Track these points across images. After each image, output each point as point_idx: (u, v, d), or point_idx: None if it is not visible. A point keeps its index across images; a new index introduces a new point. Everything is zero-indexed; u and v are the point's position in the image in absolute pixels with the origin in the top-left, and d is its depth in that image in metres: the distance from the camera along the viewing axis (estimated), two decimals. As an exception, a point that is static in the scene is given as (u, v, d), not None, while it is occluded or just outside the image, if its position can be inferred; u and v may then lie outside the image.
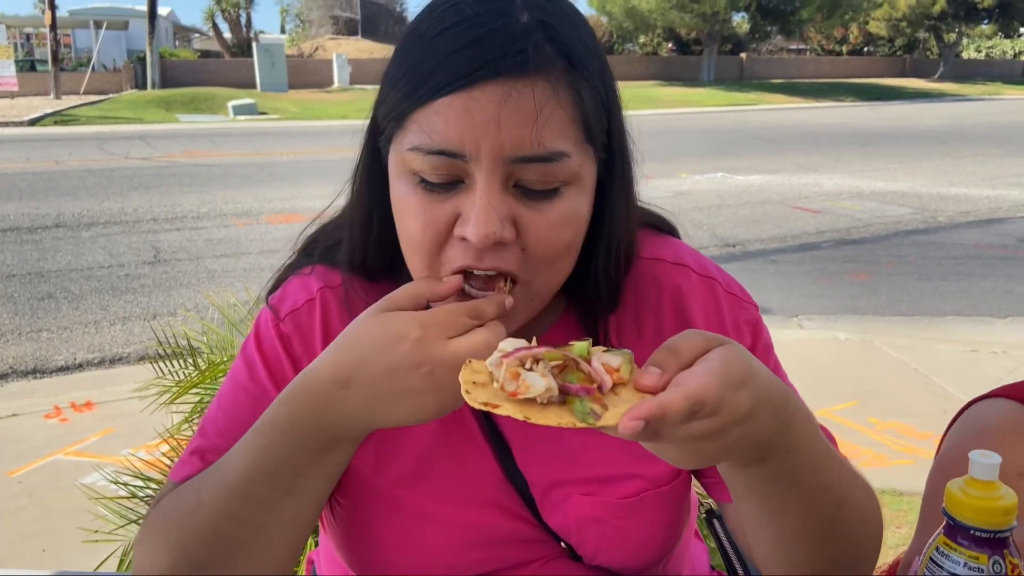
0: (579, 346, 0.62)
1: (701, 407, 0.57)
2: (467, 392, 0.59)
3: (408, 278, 0.79)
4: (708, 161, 11.87)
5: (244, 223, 7.84)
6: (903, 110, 24.13)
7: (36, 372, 4.34)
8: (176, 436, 1.93)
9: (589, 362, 0.61)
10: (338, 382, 0.68)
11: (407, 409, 0.66)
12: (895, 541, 2.57)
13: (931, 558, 0.63)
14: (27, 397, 3.93)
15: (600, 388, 0.60)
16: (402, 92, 0.71)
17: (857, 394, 3.77)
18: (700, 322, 0.87)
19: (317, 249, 0.89)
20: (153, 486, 1.99)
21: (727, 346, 0.62)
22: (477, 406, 0.58)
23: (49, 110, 19.14)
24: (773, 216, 8.24)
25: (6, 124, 16.94)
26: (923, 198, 9.27)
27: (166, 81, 25.14)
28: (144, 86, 24.71)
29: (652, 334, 0.87)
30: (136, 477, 1.99)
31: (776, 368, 0.89)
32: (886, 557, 2.37)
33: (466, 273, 0.72)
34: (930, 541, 0.64)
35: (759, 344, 0.90)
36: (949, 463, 0.97)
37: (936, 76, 38.03)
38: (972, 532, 0.60)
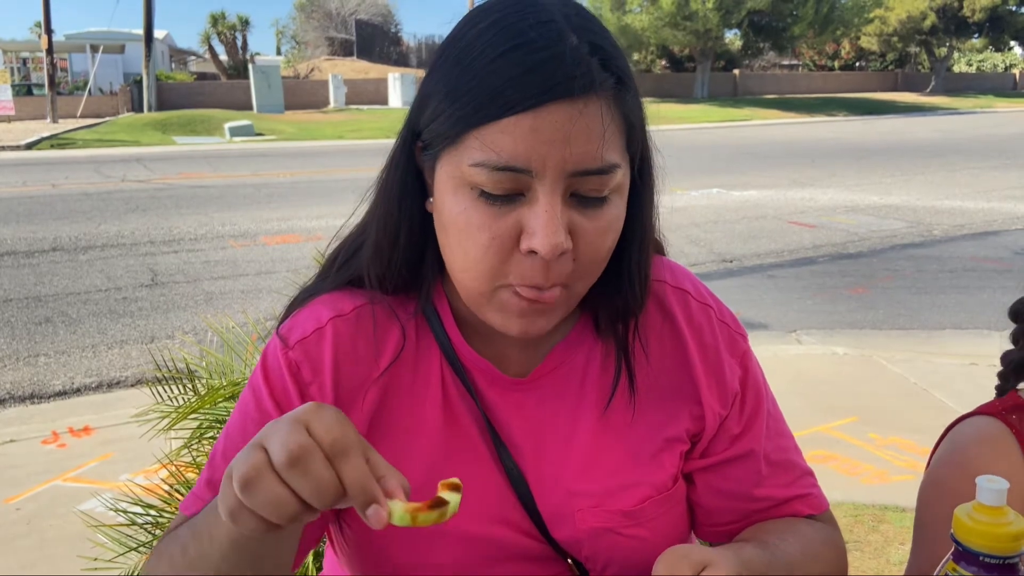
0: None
1: None
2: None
3: (432, 288, 0.84)
4: (704, 177, 11.91)
5: (241, 244, 7.84)
6: (896, 124, 24.28)
7: (34, 397, 4.32)
8: (175, 461, 1.92)
9: None
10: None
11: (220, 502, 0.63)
12: (898, 558, 2.56)
13: (940, 585, 0.62)
14: (25, 423, 3.91)
15: None
16: (463, 110, 0.72)
17: (857, 409, 3.76)
18: (695, 350, 0.88)
19: (335, 267, 0.88)
20: (152, 512, 1.98)
21: (716, 567, 0.68)
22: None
23: (46, 134, 19.19)
24: (769, 231, 8.27)
25: (3, 148, 16.97)
26: (918, 211, 9.31)
27: (162, 104, 25.24)
28: (140, 109, 24.80)
29: (655, 357, 0.88)
30: (135, 504, 1.98)
31: (765, 392, 0.92)
32: (890, 574, 2.36)
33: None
34: (939, 568, 0.64)
35: (749, 373, 0.91)
36: (932, 481, 1.00)
37: (928, 90, 38.32)
38: (981, 559, 0.60)
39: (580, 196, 0.73)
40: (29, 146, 17.48)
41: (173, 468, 1.89)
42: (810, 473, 0.92)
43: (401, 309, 0.85)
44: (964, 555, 0.61)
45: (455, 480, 0.62)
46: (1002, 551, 0.60)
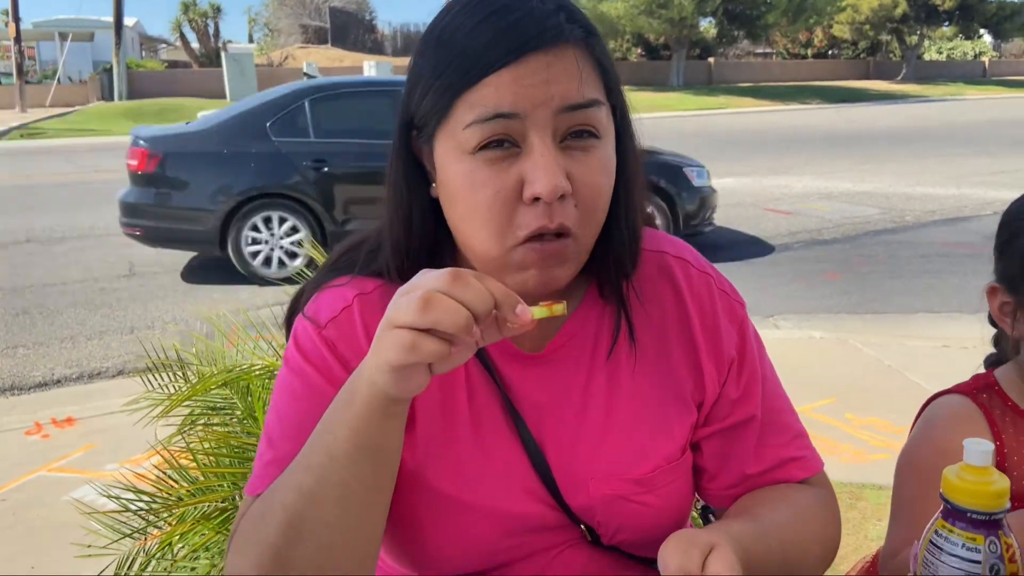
0: None
1: None
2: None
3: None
4: (680, 165, 11.99)
5: (219, 235, 7.79)
6: (868, 112, 24.55)
7: (14, 389, 4.28)
8: (169, 447, 1.93)
9: None
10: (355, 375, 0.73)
11: (373, 355, 0.70)
12: (876, 534, 2.63)
13: (930, 541, 0.67)
14: (6, 414, 3.88)
15: None
16: (448, 79, 0.77)
17: (834, 391, 3.84)
18: (695, 314, 0.93)
19: (360, 256, 0.92)
20: (145, 498, 1.99)
21: (720, 550, 0.71)
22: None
23: (15, 123, 18.88)
24: (745, 218, 8.36)
25: (-30, 138, 16.68)
26: (890, 198, 9.45)
27: (133, 92, 24.88)
28: (111, 98, 24.43)
29: (658, 324, 0.93)
30: (128, 490, 1.99)
31: (762, 357, 0.96)
32: (868, 549, 2.43)
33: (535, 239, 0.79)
34: (928, 526, 0.68)
35: (747, 340, 0.95)
36: (907, 458, 1.08)
37: (899, 78, 38.73)
38: (969, 515, 0.65)
39: (572, 143, 0.78)
40: (-3, 136, 17.19)
41: (167, 454, 1.90)
42: (804, 435, 0.96)
43: None
44: (952, 512, 0.66)
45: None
46: (988, 507, 0.64)
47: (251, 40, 42.31)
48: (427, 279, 0.68)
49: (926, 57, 44.61)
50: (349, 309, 0.88)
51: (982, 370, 1.16)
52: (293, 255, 6.21)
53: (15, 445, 3.47)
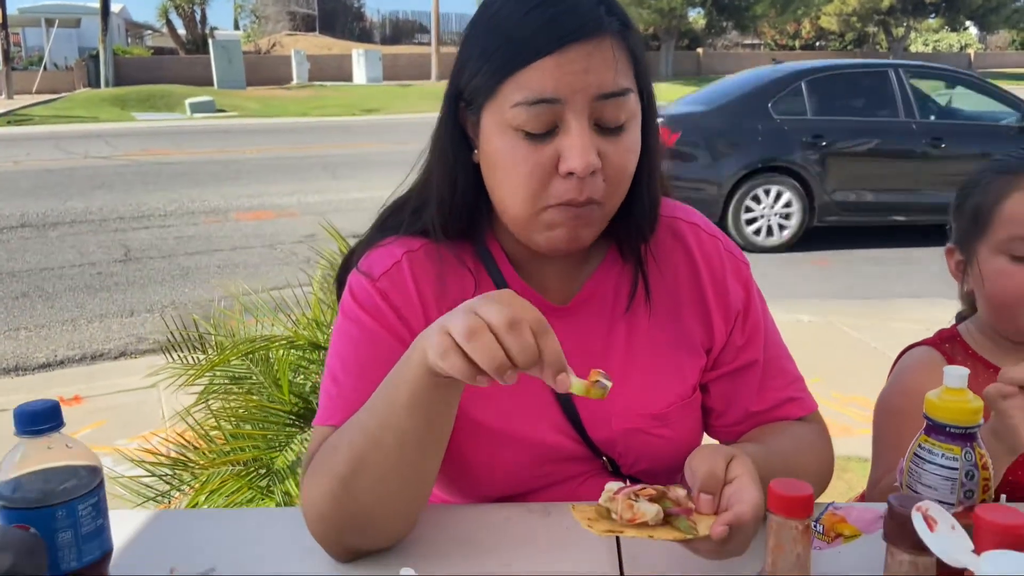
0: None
1: (759, 511, 0.76)
2: (589, 526, 0.77)
3: (485, 233, 0.98)
4: (670, 154, 12.10)
5: (213, 221, 7.83)
6: (855, 103, 24.70)
7: (18, 369, 4.34)
8: (192, 413, 2.02)
9: (666, 495, 0.80)
10: (431, 326, 0.81)
11: (435, 355, 0.76)
12: (862, 502, 2.76)
13: (915, 454, 0.77)
14: (12, 394, 3.94)
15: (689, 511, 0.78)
16: (498, 63, 0.87)
17: (821, 371, 3.97)
18: (705, 272, 1.04)
19: (404, 217, 1.01)
20: (167, 464, 2.08)
21: (740, 457, 0.81)
22: (602, 534, 0.77)
23: (1, 110, 18.72)
24: (735, 206, 8.47)
25: (-43, 124, 16.55)
26: (877, 187, 9.58)
27: (120, 79, 24.68)
28: (98, 84, 24.23)
29: (671, 281, 1.04)
30: (151, 454, 2.08)
31: (764, 311, 1.08)
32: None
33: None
34: (912, 443, 0.79)
35: (751, 295, 1.07)
36: (881, 404, 1.22)
37: (886, 70, 38.91)
38: (948, 429, 0.75)
39: (603, 126, 0.88)
40: (-16, 122, 17.06)
41: (191, 420, 2.00)
42: (800, 379, 1.08)
43: (461, 250, 1.00)
44: (934, 428, 0.76)
45: (603, 372, 0.79)
46: (964, 422, 0.75)
47: (237, 27, 42.00)
48: (492, 308, 0.74)
49: (912, 49, 44.87)
50: (399, 264, 0.98)
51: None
52: (782, 226, 6.77)
53: (24, 422, 3.54)
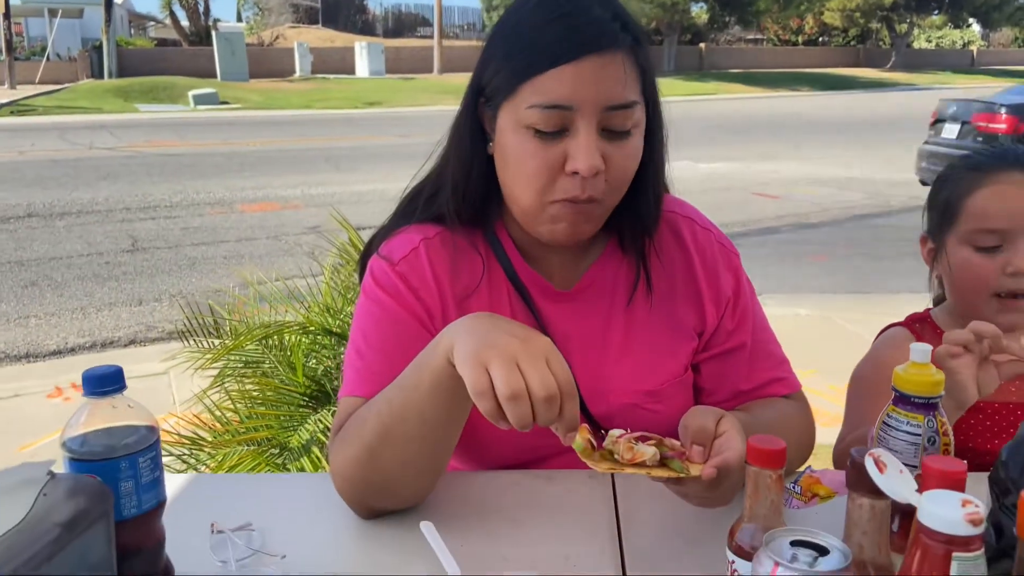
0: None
1: (744, 459, 0.83)
2: (594, 465, 0.85)
3: (495, 222, 1.07)
4: (672, 150, 12.08)
5: (218, 212, 7.91)
6: (857, 99, 24.78)
7: (29, 356, 4.43)
8: (208, 395, 2.11)
9: (663, 443, 0.89)
10: (462, 321, 0.89)
11: (462, 368, 0.83)
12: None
13: (883, 422, 0.86)
14: (24, 379, 4.04)
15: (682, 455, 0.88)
16: (519, 66, 0.96)
17: (817, 363, 4.05)
18: (698, 265, 1.14)
19: (420, 203, 1.10)
20: (185, 443, 2.16)
21: (728, 416, 0.90)
22: (604, 471, 0.85)
23: (4, 100, 18.78)
24: (735, 202, 8.56)
25: (-39, 114, 16.62)
26: (877, 184, 9.68)
27: (123, 70, 24.73)
28: (101, 75, 24.28)
29: (668, 269, 1.13)
30: (167, 434, 2.17)
31: (753, 299, 1.17)
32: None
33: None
34: (881, 414, 0.87)
35: (741, 283, 1.17)
36: (854, 375, 1.35)
37: (888, 66, 38.98)
38: (912, 400, 0.84)
39: (610, 131, 0.97)
40: (-11, 112, 17.12)
41: (208, 402, 2.08)
42: (786, 362, 1.17)
43: (473, 237, 1.09)
44: (900, 399, 0.85)
45: (588, 428, 0.88)
46: (927, 393, 0.84)
47: (240, 19, 41.97)
48: (535, 373, 0.79)
49: (915, 46, 44.88)
50: (416, 250, 1.08)
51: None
52: None
53: (38, 407, 3.63)
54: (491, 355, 0.80)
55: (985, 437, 1.21)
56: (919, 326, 1.34)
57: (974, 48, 46.62)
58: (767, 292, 5.55)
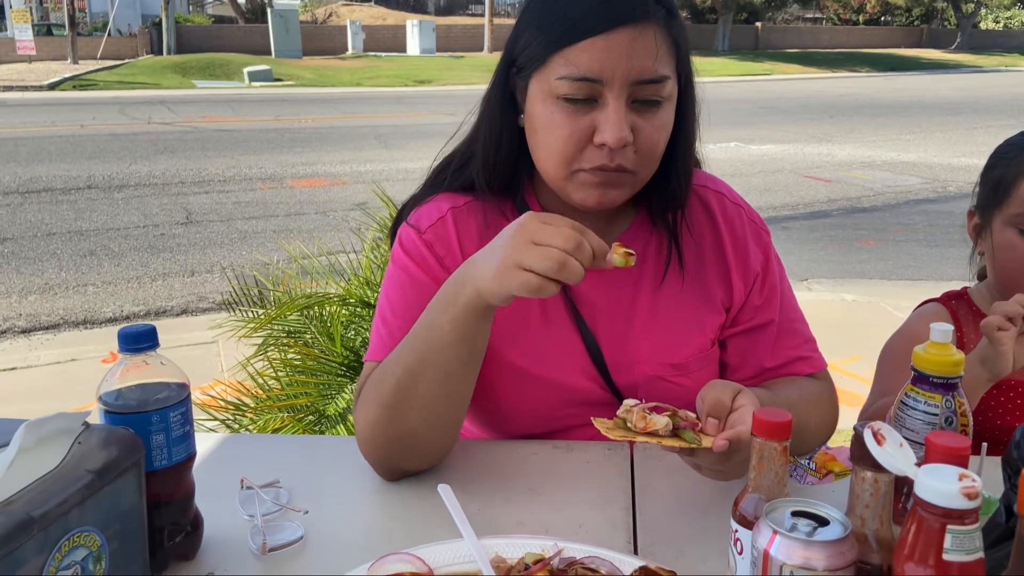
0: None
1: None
2: (607, 433, 0.87)
3: (525, 190, 1.09)
4: (722, 131, 11.97)
5: (270, 187, 8.05)
6: (918, 81, 24.00)
7: (87, 323, 4.59)
8: (253, 362, 2.18)
9: (676, 414, 0.90)
10: (468, 263, 0.93)
11: (484, 267, 0.88)
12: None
13: (901, 401, 0.86)
14: (82, 344, 4.20)
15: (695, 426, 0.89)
16: (550, 36, 0.96)
17: (861, 350, 3.97)
18: (728, 239, 1.13)
19: (448, 174, 1.12)
20: (228, 409, 2.24)
21: (745, 391, 0.91)
22: (617, 439, 0.87)
23: (68, 74, 19.29)
24: (785, 185, 8.41)
25: (27, 88, 17.14)
26: (934, 168, 9.40)
27: (181, 47, 25.19)
28: (160, 51, 24.77)
29: (697, 243, 1.13)
30: (213, 399, 2.24)
31: (782, 277, 1.16)
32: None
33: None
34: (900, 392, 0.87)
35: (770, 260, 1.16)
36: (886, 345, 1.34)
37: (953, 47, 37.63)
38: (931, 379, 0.83)
39: (640, 102, 0.97)
40: (52, 86, 17.62)
41: (253, 370, 2.15)
42: (813, 341, 1.16)
43: (503, 206, 1.10)
44: (919, 378, 0.84)
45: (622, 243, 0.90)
46: (947, 373, 0.83)
47: (295, -4, 42.25)
48: (556, 236, 0.84)
49: (982, 26, 43.20)
50: (444, 219, 1.10)
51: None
52: None
53: (93, 371, 3.77)
54: (513, 259, 0.84)
55: (1014, 416, 1.20)
56: (955, 303, 1.33)
57: (1046, 29, 44.69)
58: (813, 277, 5.47)
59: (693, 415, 0.91)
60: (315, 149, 10.21)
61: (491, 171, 1.07)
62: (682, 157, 1.06)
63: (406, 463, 1.02)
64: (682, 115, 1.04)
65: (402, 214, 1.16)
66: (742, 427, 0.85)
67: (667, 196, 1.08)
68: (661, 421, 0.87)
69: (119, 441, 0.77)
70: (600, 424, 0.88)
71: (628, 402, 0.91)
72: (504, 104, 1.05)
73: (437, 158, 1.18)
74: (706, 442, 0.86)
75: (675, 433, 0.88)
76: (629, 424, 0.88)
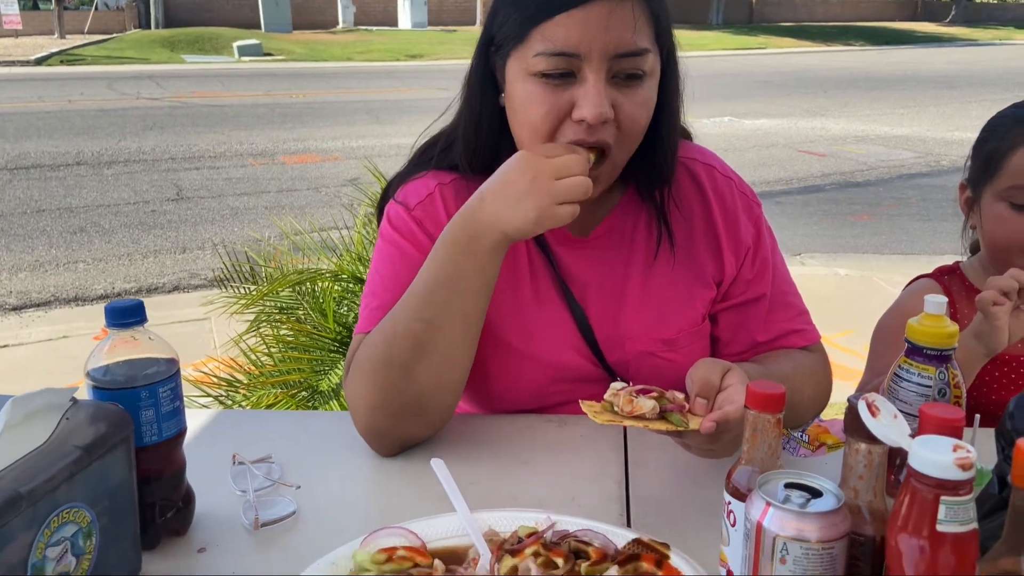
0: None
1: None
2: (594, 417, 0.87)
3: None
4: (715, 105, 11.92)
5: (261, 163, 8.00)
6: (912, 54, 23.89)
7: (78, 299, 4.57)
8: (246, 339, 2.17)
9: (663, 396, 0.90)
10: (477, 198, 0.93)
11: (517, 212, 0.90)
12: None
13: (895, 373, 0.85)
14: (73, 321, 4.18)
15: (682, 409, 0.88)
16: (526, 12, 0.95)
17: (854, 324, 3.99)
18: (718, 211, 1.12)
19: (434, 154, 1.11)
20: (221, 385, 2.23)
21: (735, 370, 0.91)
22: (604, 423, 0.87)
23: (55, 49, 19.05)
24: (779, 159, 8.39)
25: (13, 63, 16.92)
26: (928, 142, 9.38)
27: (169, 20, 24.89)
28: (148, 25, 24.48)
29: (687, 217, 1.12)
30: (206, 376, 2.24)
31: (774, 249, 1.15)
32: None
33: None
34: (893, 365, 0.87)
35: (761, 233, 1.15)
36: (880, 321, 1.35)
37: (948, 20, 37.43)
38: (925, 351, 0.83)
39: (620, 77, 0.96)
40: (39, 61, 17.40)
41: (244, 346, 2.14)
42: (806, 312, 1.16)
43: None
44: (913, 350, 0.84)
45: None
46: (940, 345, 0.83)
47: (285, -31, 41.66)
48: (545, 167, 0.89)
49: (977, -1, 42.98)
50: (432, 196, 1.09)
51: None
52: None
53: (85, 347, 3.74)
54: (550, 199, 0.90)
55: (1009, 390, 1.20)
56: (948, 278, 1.33)
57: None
58: (806, 251, 5.47)
59: (681, 396, 0.90)
60: (306, 124, 10.13)
61: (472, 154, 1.07)
62: (667, 134, 1.05)
63: (413, 428, 1.01)
64: (665, 91, 1.02)
65: (388, 191, 1.15)
66: (729, 408, 0.85)
67: (653, 173, 1.07)
68: (648, 404, 0.87)
69: (107, 417, 0.76)
70: (588, 408, 0.88)
71: (615, 385, 0.90)
72: (484, 84, 1.04)
73: (423, 136, 1.17)
74: (694, 424, 0.86)
75: (662, 416, 0.88)
76: (616, 408, 0.88)
